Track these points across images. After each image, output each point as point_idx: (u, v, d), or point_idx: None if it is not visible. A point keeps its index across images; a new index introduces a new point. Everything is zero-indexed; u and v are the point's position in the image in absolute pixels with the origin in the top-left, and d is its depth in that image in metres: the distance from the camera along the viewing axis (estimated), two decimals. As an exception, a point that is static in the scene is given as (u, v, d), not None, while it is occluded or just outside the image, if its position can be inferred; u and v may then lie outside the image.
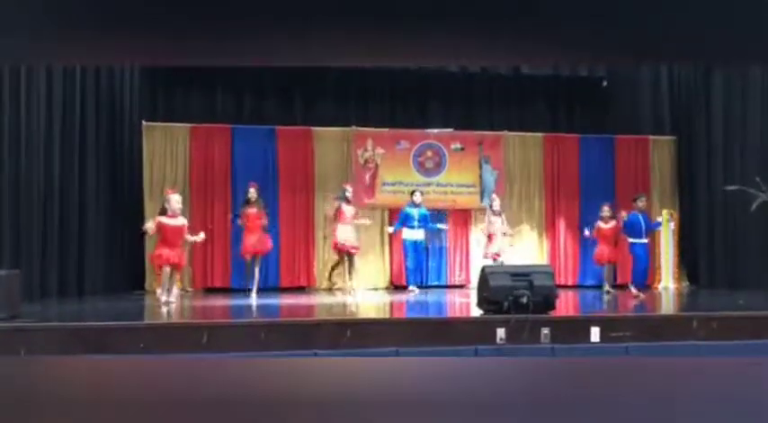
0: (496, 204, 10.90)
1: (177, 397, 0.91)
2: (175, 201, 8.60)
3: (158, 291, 8.82)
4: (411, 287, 10.77)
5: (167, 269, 8.55)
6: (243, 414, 0.92)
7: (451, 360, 0.99)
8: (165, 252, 8.43)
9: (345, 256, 10.64)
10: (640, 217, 10.11)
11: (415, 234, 10.78)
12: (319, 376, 0.93)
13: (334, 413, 0.93)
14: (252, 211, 9.88)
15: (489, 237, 10.86)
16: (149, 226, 8.53)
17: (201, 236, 8.97)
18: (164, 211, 8.56)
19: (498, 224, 10.81)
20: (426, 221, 10.90)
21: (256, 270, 9.99)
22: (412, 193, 10.99)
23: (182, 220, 8.64)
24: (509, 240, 11.02)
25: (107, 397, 0.91)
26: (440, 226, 11.31)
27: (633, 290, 9.88)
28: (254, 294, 9.79)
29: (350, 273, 10.71)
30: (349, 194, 10.63)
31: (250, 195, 9.93)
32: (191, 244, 9.44)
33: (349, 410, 0.92)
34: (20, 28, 0.77)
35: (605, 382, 0.96)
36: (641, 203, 10.23)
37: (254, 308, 8.85)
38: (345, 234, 10.56)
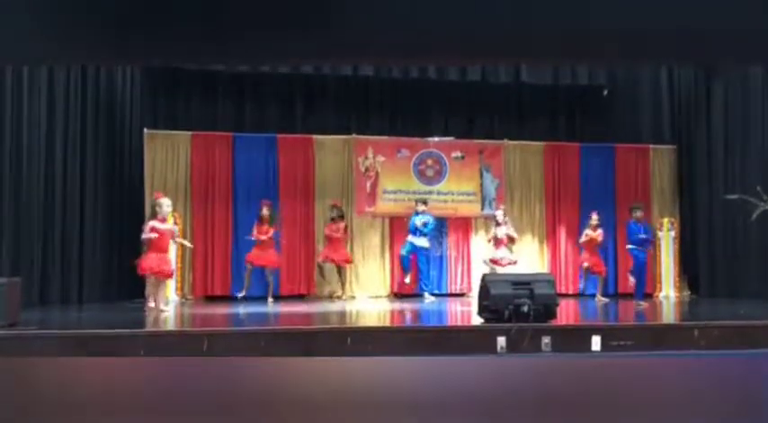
0: (500, 215, 11.08)
1: (177, 397, 0.91)
2: (167, 205, 8.68)
3: (150, 303, 8.69)
4: (426, 294, 10.97)
5: (152, 279, 8.58)
6: (245, 415, 0.91)
7: (451, 360, 0.99)
8: (154, 260, 8.42)
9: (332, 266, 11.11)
10: (636, 225, 10.18)
11: (417, 241, 10.93)
12: (318, 376, 0.92)
13: (332, 414, 0.92)
14: (264, 227, 10.34)
15: (496, 242, 11.05)
16: (151, 236, 8.42)
17: (188, 244, 9.82)
18: (154, 215, 8.62)
19: (502, 232, 10.96)
20: (426, 228, 11.00)
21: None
22: (416, 202, 11.17)
23: (170, 224, 8.73)
24: (510, 246, 11.13)
25: (106, 397, 0.91)
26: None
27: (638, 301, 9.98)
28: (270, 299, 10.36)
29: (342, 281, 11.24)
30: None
31: (264, 213, 10.39)
32: (178, 245, 9.74)
33: (348, 411, 0.92)
34: (20, 28, 0.77)
35: (606, 382, 0.96)
36: (638, 214, 10.30)
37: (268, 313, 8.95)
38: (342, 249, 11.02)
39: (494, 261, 10.97)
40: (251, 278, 10.47)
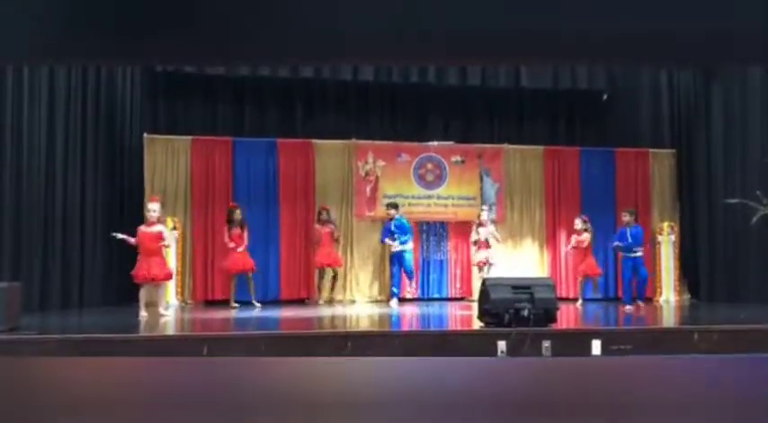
0: (484, 215, 11.09)
1: (177, 397, 0.91)
2: (152, 209, 8.63)
3: (142, 311, 8.57)
4: (393, 300, 10.90)
5: (146, 287, 8.55)
6: (245, 415, 0.91)
7: (453, 360, 0.99)
8: (143, 266, 8.42)
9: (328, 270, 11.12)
10: (627, 231, 10.17)
11: (396, 246, 10.89)
12: (318, 376, 0.93)
13: (332, 414, 0.92)
14: (237, 231, 10.23)
15: (476, 245, 11.14)
16: (129, 239, 8.55)
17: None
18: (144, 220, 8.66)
19: (484, 234, 11.02)
20: (403, 232, 10.95)
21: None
22: (387, 206, 11.10)
23: (158, 228, 8.65)
24: (498, 244, 11.20)
25: (106, 397, 0.91)
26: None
27: (627, 307, 9.96)
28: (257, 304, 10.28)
29: (333, 285, 11.25)
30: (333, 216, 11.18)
31: (236, 216, 10.29)
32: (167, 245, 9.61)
33: (348, 411, 0.92)
34: (20, 28, 0.78)
35: (607, 382, 0.96)
36: (626, 218, 10.33)
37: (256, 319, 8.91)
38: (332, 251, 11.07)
39: (477, 264, 11.18)
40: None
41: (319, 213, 11.13)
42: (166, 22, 0.81)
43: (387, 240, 11.01)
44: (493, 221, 11.38)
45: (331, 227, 10.98)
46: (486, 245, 11.05)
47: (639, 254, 10.15)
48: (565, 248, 11.37)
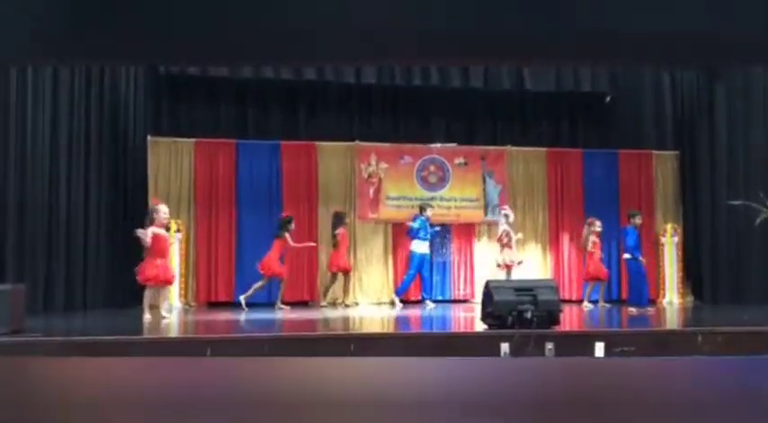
0: (512, 216, 11.06)
1: (178, 397, 0.91)
2: (164, 211, 8.54)
3: (146, 314, 8.38)
4: (428, 300, 10.98)
5: (151, 289, 8.47)
6: (246, 415, 0.91)
7: (455, 360, 0.99)
8: (157, 268, 8.26)
9: (341, 274, 11.13)
10: (635, 232, 10.11)
11: (427, 247, 10.91)
12: (320, 376, 0.92)
13: (333, 414, 0.92)
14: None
15: (508, 246, 11.00)
16: (147, 240, 8.25)
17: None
18: (152, 222, 8.38)
19: (512, 233, 10.98)
20: (434, 235, 11.12)
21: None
22: (423, 208, 11.07)
23: (164, 230, 8.64)
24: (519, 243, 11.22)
25: (106, 397, 0.91)
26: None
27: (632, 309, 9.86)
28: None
29: (346, 288, 11.23)
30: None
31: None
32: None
33: (349, 411, 0.91)
34: (20, 28, 0.78)
35: (610, 382, 0.96)
36: (640, 221, 10.20)
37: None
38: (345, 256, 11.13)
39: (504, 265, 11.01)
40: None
41: (345, 216, 11.13)
42: (166, 21, 0.81)
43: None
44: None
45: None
46: (509, 245, 10.97)
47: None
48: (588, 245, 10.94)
